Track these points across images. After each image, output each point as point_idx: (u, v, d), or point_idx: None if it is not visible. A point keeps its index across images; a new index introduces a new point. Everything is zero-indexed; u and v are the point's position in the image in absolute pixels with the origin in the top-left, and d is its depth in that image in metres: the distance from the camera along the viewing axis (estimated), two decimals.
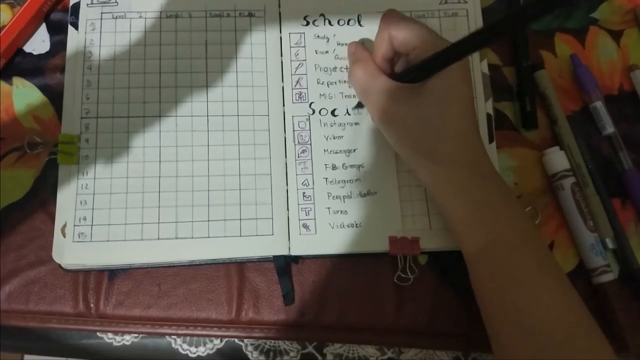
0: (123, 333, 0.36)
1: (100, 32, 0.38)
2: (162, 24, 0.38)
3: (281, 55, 0.38)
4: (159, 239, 0.35)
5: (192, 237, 0.35)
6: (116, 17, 0.39)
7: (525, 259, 0.31)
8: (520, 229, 0.31)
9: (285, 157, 0.37)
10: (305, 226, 0.36)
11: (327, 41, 0.39)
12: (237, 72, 0.38)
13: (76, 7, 0.39)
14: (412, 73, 0.32)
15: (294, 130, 0.37)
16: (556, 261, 0.32)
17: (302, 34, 0.39)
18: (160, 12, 0.39)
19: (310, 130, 0.37)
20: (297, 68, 0.38)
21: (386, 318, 0.35)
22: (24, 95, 0.39)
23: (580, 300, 0.30)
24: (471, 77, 0.33)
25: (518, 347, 0.30)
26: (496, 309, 0.31)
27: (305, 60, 0.38)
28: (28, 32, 0.40)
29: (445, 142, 0.31)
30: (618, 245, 0.37)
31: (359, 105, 0.38)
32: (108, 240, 0.35)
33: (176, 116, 0.37)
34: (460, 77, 0.32)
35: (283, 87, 0.38)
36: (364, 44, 0.37)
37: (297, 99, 0.38)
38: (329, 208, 0.36)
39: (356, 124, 0.38)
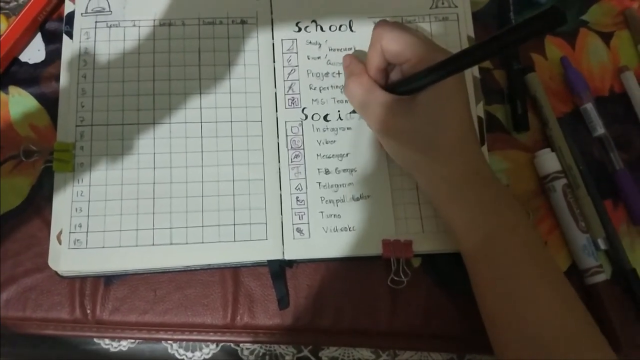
0: (120, 339, 0.36)
1: (95, 41, 0.39)
2: (156, 32, 0.39)
3: (274, 62, 0.39)
4: (153, 245, 0.35)
5: (186, 243, 0.35)
6: (110, 26, 0.39)
7: (525, 263, 0.31)
8: (520, 233, 0.31)
9: (279, 162, 0.37)
10: (299, 230, 0.36)
11: (319, 47, 0.39)
12: (230, 78, 0.38)
13: (71, 16, 0.39)
14: (406, 85, 0.32)
15: (287, 136, 0.38)
16: (557, 265, 0.32)
17: (294, 40, 0.39)
18: (154, 20, 0.39)
19: (303, 135, 0.38)
20: (289, 74, 0.39)
21: (380, 321, 0.36)
22: (20, 104, 0.39)
23: (581, 304, 0.31)
24: (466, 83, 0.33)
25: (520, 354, 0.30)
26: (498, 314, 0.31)
27: (297, 66, 0.39)
28: (24, 41, 0.40)
29: (442, 148, 0.32)
30: (610, 246, 0.37)
31: (354, 110, 0.38)
32: (103, 247, 0.35)
33: (170, 123, 0.37)
34: (454, 85, 0.32)
35: (276, 92, 0.38)
36: (358, 55, 0.38)
37: (290, 104, 0.38)
38: (322, 212, 0.36)
39: (348, 128, 0.38)
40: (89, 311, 0.36)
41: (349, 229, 0.36)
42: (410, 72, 0.32)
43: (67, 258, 0.35)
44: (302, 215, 0.36)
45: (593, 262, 0.36)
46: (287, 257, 0.36)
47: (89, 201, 0.36)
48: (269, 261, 0.36)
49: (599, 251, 0.37)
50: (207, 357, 0.36)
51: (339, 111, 0.38)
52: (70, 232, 0.35)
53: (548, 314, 0.30)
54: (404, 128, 0.32)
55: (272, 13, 0.40)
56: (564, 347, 0.29)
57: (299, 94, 0.38)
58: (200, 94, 0.38)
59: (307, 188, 0.37)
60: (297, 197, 0.37)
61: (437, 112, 0.31)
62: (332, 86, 0.38)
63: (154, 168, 0.37)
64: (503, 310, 0.31)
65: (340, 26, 0.40)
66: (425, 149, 0.32)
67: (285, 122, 0.38)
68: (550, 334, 0.29)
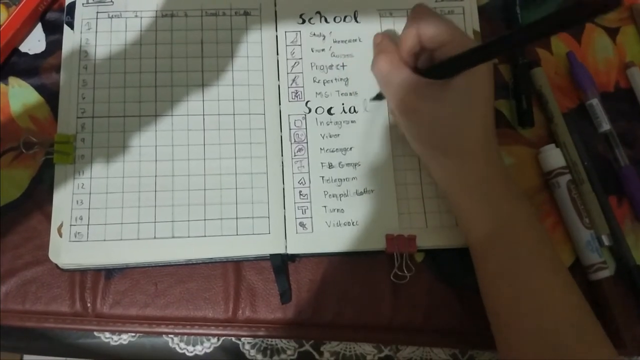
0: (120, 332, 0.36)
1: (96, 32, 0.38)
2: (158, 23, 0.38)
3: (277, 54, 0.38)
4: (155, 238, 0.35)
5: (188, 236, 0.35)
6: (112, 17, 0.39)
7: (533, 257, 0.31)
8: (529, 228, 0.31)
9: (282, 155, 0.37)
10: (302, 225, 0.36)
11: (323, 39, 0.39)
12: (233, 70, 0.38)
13: (72, 6, 0.39)
14: (441, 69, 0.32)
15: (290, 129, 0.37)
16: (563, 263, 0.32)
17: (298, 32, 0.39)
18: (156, 11, 0.39)
19: (306, 128, 0.37)
20: (293, 66, 0.38)
21: (383, 316, 0.35)
22: (19, 95, 0.39)
23: (584, 300, 0.31)
24: (493, 76, 0.33)
25: (523, 346, 0.30)
26: (502, 306, 0.31)
27: (301, 58, 0.38)
28: (24, 32, 0.40)
29: (464, 140, 0.31)
30: (614, 242, 0.37)
31: (378, 97, 0.37)
32: (104, 240, 0.35)
33: (172, 115, 0.37)
34: (485, 75, 0.32)
35: (279, 85, 0.38)
36: (390, 35, 0.37)
37: (293, 97, 0.38)
38: (325, 206, 0.36)
39: (353, 122, 0.38)
40: (89, 304, 0.35)
41: (352, 223, 0.36)
42: (443, 57, 0.32)
43: (67, 251, 0.35)
44: (305, 210, 0.36)
45: (597, 258, 0.36)
46: (289, 252, 0.35)
47: (90, 194, 0.36)
48: (271, 255, 0.35)
49: (602, 247, 0.37)
50: (208, 351, 0.36)
51: (343, 104, 0.38)
52: (71, 225, 0.35)
53: (555, 309, 0.30)
54: (429, 112, 0.31)
55: (275, 5, 0.39)
56: (569, 342, 0.29)
57: (303, 87, 0.38)
58: (203, 86, 0.38)
59: (310, 182, 0.36)
60: (300, 191, 0.36)
61: (467, 99, 0.31)
62: (336, 79, 0.38)
63: (156, 161, 0.36)
64: (508, 303, 0.31)
65: (345, 17, 0.39)
66: (447, 138, 0.32)
67: (289, 115, 0.37)
68: (555, 328, 0.29)
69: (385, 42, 0.35)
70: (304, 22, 0.39)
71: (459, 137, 0.31)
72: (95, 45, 0.38)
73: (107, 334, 0.36)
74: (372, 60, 0.35)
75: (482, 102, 0.32)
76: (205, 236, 0.35)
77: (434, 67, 0.33)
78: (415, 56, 0.34)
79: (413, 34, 0.33)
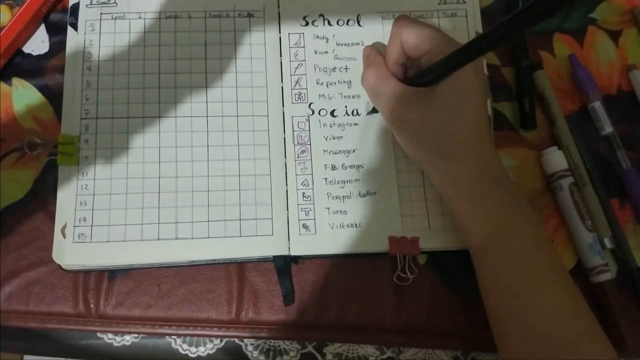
0: (123, 333, 0.36)
1: (100, 33, 0.38)
2: (162, 25, 0.39)
3: (280, 56, 0.39)
4: (158, 239, 0.35)
5: (192, 238, 0.35)
6: (115, 18, 0.39)
7: (533, 259, 0.31)
8: (529, 230, 0.31)
9: (285, 157, 0.37)
10: (305, 226, 0.36)
11: (327, 41, 0.39)
12: (236, 72, 0.38)
13: (75, 7, 0.39)
14: (424, 76, 0.32)
15: (293, 131, 0.37)
16: (564, 265, 0.32)
17: (302, 35, 0.39)
18: (160, 12, 0.39)
19: (309, 130, 0.37)
20: (296, 68, 0.38)
21: (386, 317, 0.36)
22: (23, 96, 0.39)
23: (586, 304, 0.31)
24: (485, 77, 0.32)
25: (523, 348, 0.30)
26: (503, 312, 0.31)
27: (304, 60, 0.38)
28: (27, 32, 0.40)
29: (457, 144, 0.31)
30: (616, 245, 0.37)
31: (373, 110, 0.37)
32: (108, 241, 0.35)
33: (175, 117, 0.37)
34: (472, 78, 0.31)
35: (282, 87, 0.38)
36: (378, 47, 0.37)
37: (297, 99, 0.38)
38: (328, 208, 0.36)
39: (355, 124, 0.38)
40: (92, 305, 0.35)
41: (355, 225, 0.36)
42: (428, 65, 0.32)
43: (71, 252, 0.35)
44: (308, 211, 0.36)
45: (599, 261, 0.36)
46: (292, 253, 0.35)
47: (93, 195, 0.36)
48: (274, 257, 0.36)
49: (604, 250, 0.37)
50: (211, 352, 0.36)
51: (346, 107, 0.38)
52: (74, 226, 0.35)
53: (554, 311, 0.30)
54: (419, 120, 0.32)
55: (279, 6, 0.39)
56: (569, 344, 0.29)
57: (306, 88, 0.38)
58: (206, 87, 0.38)
59: (313, 184, 0.36)
60: (304, 193, 0.36)
61: (455, 103, 0.31)
62: (339, 81, 0.38)
63: (159, 162, 0.36)
64: (508, 306, 0.31)
65: (348, 21, 0.39)
66: (440, 143, 0.32)
67: (292, 117, 0.38)
68: (555, 331, 0.29)
69: (372, 55, 0.36)
70: (307, 24, 0.39)
71: (450, 141, 0.31)
72: (99, 47, 0.38)
73: (110, 335, 0.36)
74: (361, 74, 0.36)
75: (470, 104, 0.31)
76: (208, 237, 0.35)
77: (418, 75, 0.33)
78: (403, 66, 0.35)
79: (397, 45, 0.33)
